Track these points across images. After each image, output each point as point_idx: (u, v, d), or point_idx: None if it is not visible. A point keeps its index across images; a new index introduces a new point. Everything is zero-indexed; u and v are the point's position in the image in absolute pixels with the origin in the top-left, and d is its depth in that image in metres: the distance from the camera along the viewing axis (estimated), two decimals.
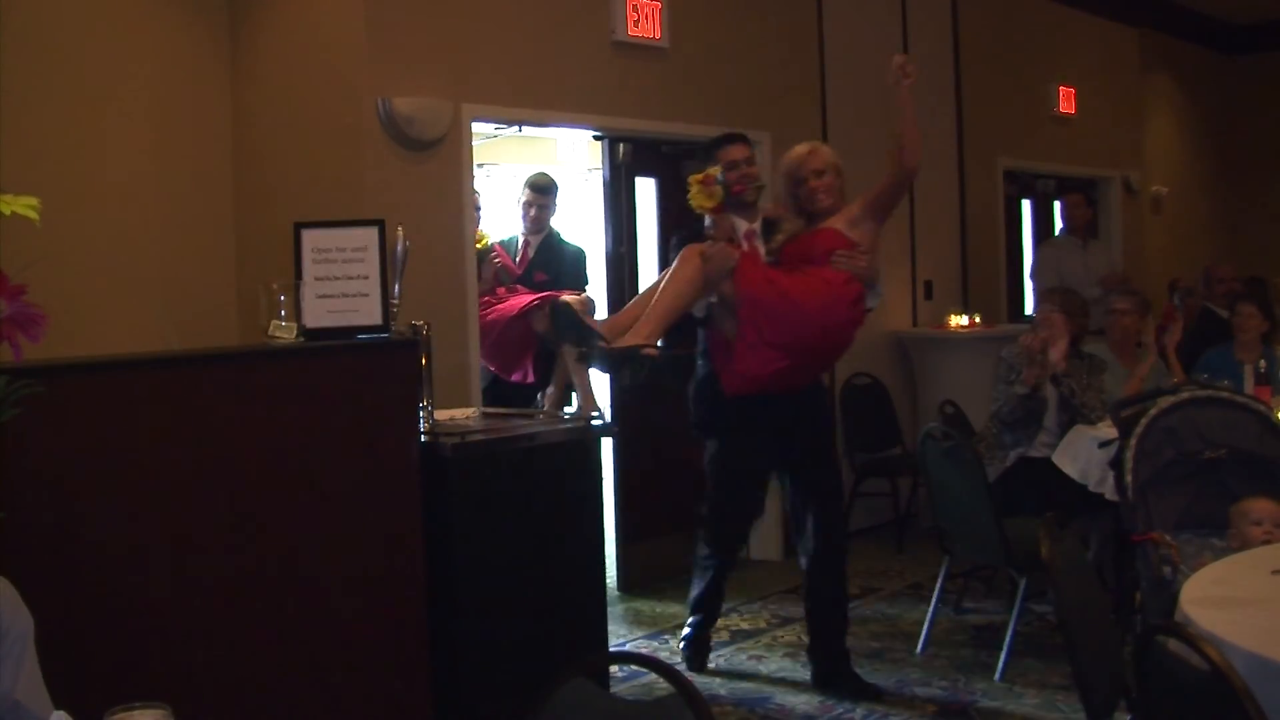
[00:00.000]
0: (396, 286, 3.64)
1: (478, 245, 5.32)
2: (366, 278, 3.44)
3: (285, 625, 3.13)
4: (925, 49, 7.59)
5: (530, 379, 5.42)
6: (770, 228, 4.37)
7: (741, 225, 4.36)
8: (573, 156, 7.89)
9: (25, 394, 1.93)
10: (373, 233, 3.48)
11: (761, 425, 4.30)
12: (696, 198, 4.24)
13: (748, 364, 4.09)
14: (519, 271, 5.60)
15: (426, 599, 3.43)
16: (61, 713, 1.72)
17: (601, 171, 6.16)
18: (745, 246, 4.32)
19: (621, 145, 6.03)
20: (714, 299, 4.12)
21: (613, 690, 4.08)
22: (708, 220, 4.38)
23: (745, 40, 6.37)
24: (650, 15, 5.80)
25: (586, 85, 5.58)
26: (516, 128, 5.86)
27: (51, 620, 2.01)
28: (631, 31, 5.71)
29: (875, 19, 7.32)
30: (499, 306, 5.38)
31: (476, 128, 5.28)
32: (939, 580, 4.95)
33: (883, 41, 7.30)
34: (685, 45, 5.99)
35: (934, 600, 4.94)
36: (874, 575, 6.04)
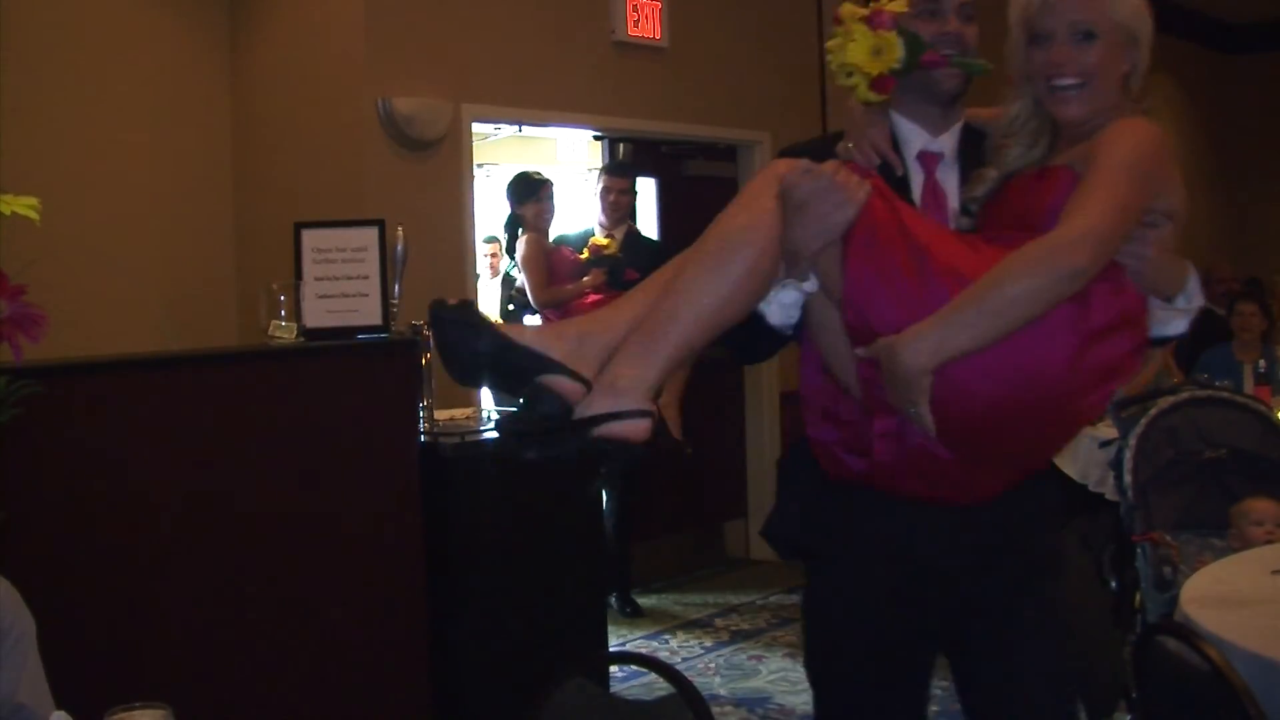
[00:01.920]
0: (396, 286, 3.64)
1: (605, 250, 5.18)
2: (366, 278, 3.45)
3: (285, 625, 3.13)
4: None
5: None
6: (973, 152, 2.04)
7: (915, 140, 2.03)
8: (573, 156, 7.89)
9: (25, 394, 1.92)
10: (373, 233, 3.48)
11: (894, 551, 2.00)
12: (852, 54, 1.91)
13: (859, 431, 1.89)
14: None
15: (426, 599, 3.43)
16: (62, 713, 1.72)
17: None
18: (918, 182, 2.03)
19: (621, 145, 6.03)
20: (807, 283, 1.85)
21: (613, 690, 4.08)
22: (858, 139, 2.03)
23: (745, 40, 6.36)
24: (650, 15, 5.80)
25: (586, 85, 5.58)
26: (516, 128, 5.86)
27: (51, 620, 2.01)
28: (631, 31, 5.71)
29: None
30: None
31: (476, 128, 5.28)
32: None
33: None
34: (685, 45, 5.99)
35: None
36: None
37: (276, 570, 3.12)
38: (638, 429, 1.69)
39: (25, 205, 1.87)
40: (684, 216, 6.29)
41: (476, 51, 5.14)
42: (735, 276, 1.75)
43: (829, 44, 1.95)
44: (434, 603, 3.45)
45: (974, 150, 2.05)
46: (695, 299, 1.74)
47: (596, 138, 6.11)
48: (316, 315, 3.40)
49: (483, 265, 6.36)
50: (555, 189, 5.44)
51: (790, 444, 2.20)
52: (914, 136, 2.05)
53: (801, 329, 1.94)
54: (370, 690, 3.30)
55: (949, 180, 2.04)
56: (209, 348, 3.67)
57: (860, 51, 1.93)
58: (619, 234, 5.38)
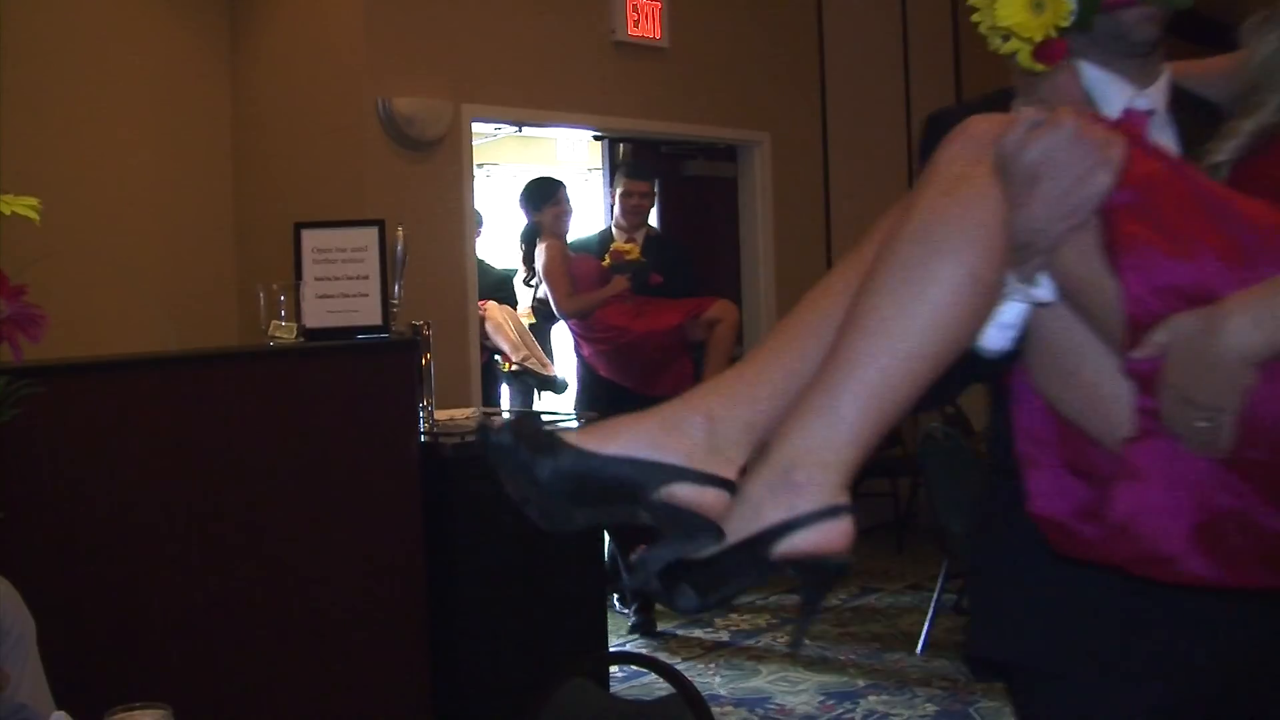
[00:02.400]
0: (396, 286, 3.64)
1: (628, 255, 5.04)
2: (366, 278, 3.45)
3: (285, 625, 3.13)
4: (925, 49, 7.59)
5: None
6: (1187, 109, 1.54)
7: (1115, 94, 1.49)
8: (573, 156, 7.90)
9: (25, 394, 1.92)
10: (373, 233, 3.48)
11: (1170, 663, 1.43)
12: (1005, 12, 1.36)
13: (1138, 496, 1.19)
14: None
15: (426, 599, 3.43)
16: (61, 713, 1.72)
17: (602, 171, 6.17)
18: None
19: (621, 145, 6.03)
20: (1040, 289, 1.23)
21: (613, 690, 4.08)
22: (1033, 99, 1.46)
23: (745, 40, 6.37)
24: (650, 15, 5.80)
25: (586, 85, 5.58)
26: (516, 128, 5.86)
27: (52, 620, 2.01)
28: (631, 31, 5.71)
29: (875, 19, 7.32)
30: (644, 320, 5.02)
31: (476, 128, 5.28)
32: (939, 580, 4.95)
33: (883, 41, 7.31)
34: (685, 45, 5.99)
35: (934, 600, 4.94)
36: (874, 575, 6.03)
37: (276, 570, 3.12)
38: (836, 535, 1.11)
39: (25, 205, 1.87)
40: (684, 217, 6.29)
41: (476, 51, 5.14)
42: (952, 291, 1.14)
43: (974, 0, 1.41)
44: (434, 603, 3.45)
45: (1187, 108, 1.55)
46: (898, 330, 1.13)
47: (596, 138, 6.11)
48: (316, 315, 3.40)
49: (515, 262, 6.28)
50: (570, 191, 5.35)
51: (982, 522, 1.61)
52: (1113, 91, 1.51)
53: (1011, 360, 1.32)
54: (370, 690, 3.30)
55: (1166, 142, 1.50)
56: (209, 348, 3.67)
57: (1016, 8, 1.40)
58: (639, 238, 5.24)
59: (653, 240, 5.30)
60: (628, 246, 5.13)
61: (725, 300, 5.16)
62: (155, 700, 1.59)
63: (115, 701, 1.58)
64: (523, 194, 5.36)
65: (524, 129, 5.97)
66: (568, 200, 5.25)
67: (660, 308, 5.04)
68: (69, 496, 2.76)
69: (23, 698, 1.85)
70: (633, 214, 5.22)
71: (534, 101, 5.37)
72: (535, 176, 5.50)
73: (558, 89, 5.46)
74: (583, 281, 5.10)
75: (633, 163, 5.54)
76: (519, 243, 5.38)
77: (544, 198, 5.21)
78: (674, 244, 5.48)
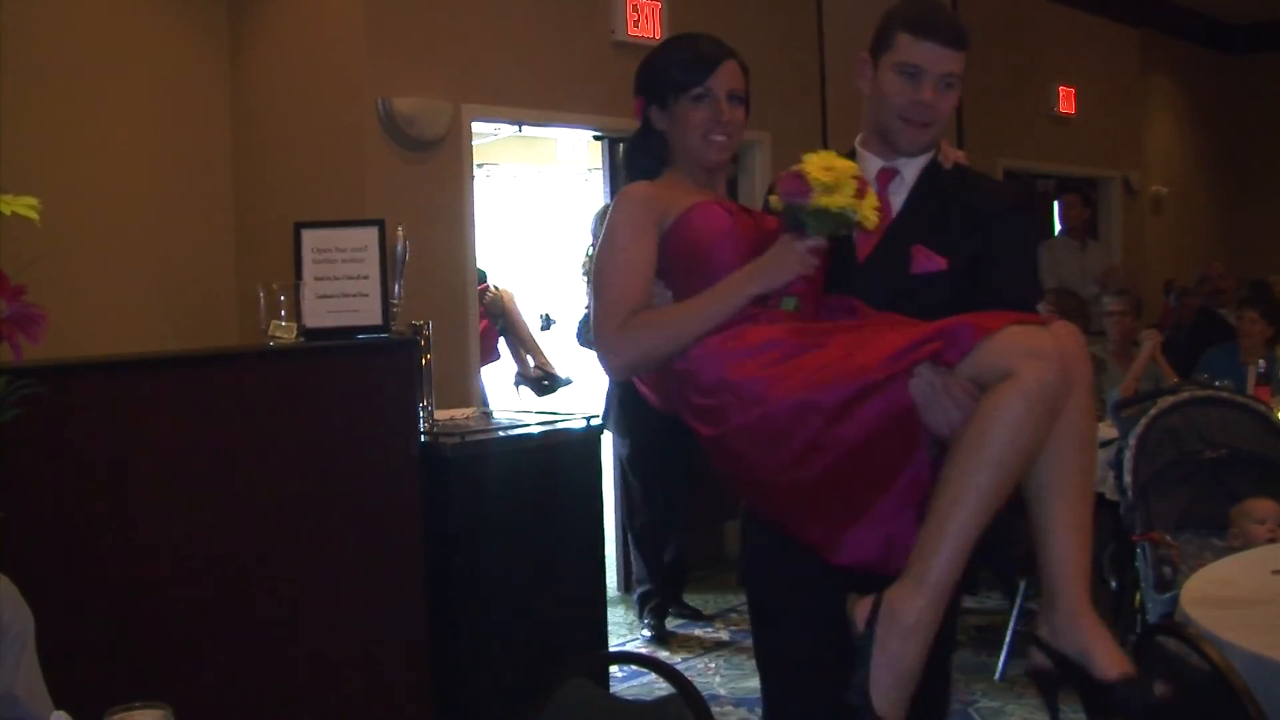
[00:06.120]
0: (396, 286, 3.65)
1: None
2: (366, 278, 3.45)
3: (285, 625, 3.13)
4: None
5: None
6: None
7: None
8: (573, 156, 7.90)
9: (25, 394, 1.92)
10: (373, 233, 3.48)
11: None
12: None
13: None
14: None
15: (426, 599, 3.43)
16: (61, 713, 1.72)
17: (601, 171, 6.16)
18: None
19: (621, 145, 6.02)
20: None
21: (613, 690, 4.08)
22: None
23: (745, 40, 6.33)
24: (650, 15, 5.80)
25: (586, 85, 5.58)
26: (516, 128, 5.85)
27: (51, 620, 2.01)
28: (631, 31, 5.71)
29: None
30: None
31: (476, 128, 5.28)
32: None
33: None
34: None
35: None
36: None
37: (276, 570, 3.12)
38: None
39: (25, 205, 1.87)
40: None
41: (476, 51, 5.14)
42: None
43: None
44: (434, 603, 3.45)
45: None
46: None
47: (596, 138, 6.11)
48: (316, 315, 3.40)
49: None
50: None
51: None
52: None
53: None
54: (370, 690, 3.30)
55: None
56: (209, 348, 3.67)
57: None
58: (910, 173, 2.43)
59: (934, 176, 2.41)
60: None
61: (1026, 324, 1.92)
62: (155, 700, 1.59)
63: (115, 701, 1.58)
64: None
65: (524, 129, 5.96)
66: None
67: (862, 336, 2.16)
68: (69, 496, 2.76)
69: (20, 693, 1.84)
70: (916, 123, 2.39)
71: (534, 101, 5.37)
72: None
73: (558, 89, 5.46)
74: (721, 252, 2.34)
75: (932, 18, 2.40)
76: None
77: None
78: (1001, 186, 2.95)
